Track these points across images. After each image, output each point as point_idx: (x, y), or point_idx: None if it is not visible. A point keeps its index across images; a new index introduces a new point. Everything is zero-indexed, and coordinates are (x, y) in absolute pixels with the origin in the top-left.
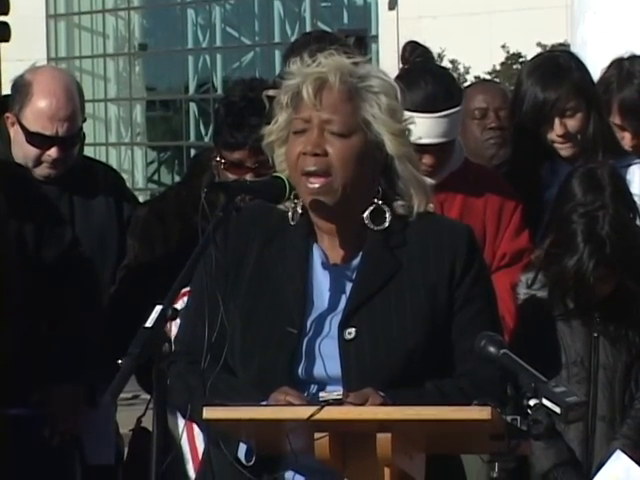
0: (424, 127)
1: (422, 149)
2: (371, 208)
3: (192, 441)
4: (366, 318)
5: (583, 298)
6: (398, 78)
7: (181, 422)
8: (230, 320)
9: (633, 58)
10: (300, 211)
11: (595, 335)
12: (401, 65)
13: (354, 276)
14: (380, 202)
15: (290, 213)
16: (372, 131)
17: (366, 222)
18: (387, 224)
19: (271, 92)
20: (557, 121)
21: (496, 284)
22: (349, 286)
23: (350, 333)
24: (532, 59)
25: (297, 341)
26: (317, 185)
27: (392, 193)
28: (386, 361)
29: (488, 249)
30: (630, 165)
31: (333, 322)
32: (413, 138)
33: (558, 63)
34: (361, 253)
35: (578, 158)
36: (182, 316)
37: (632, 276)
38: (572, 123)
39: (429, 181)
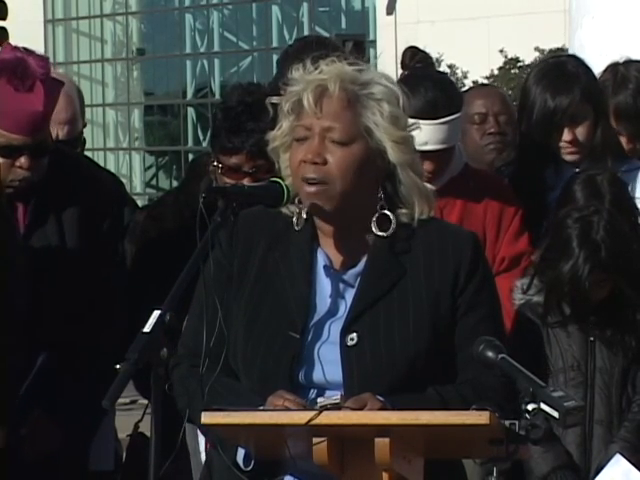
0: (424, 133)
1: (422, 155)
2: (377, 215)
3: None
4: (368, 324)
5: (579, 303)
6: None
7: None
8: (233, 324)
9: (628, 63)
10: (305, 216)
11: (591, 339)
12: (400, 71)
13: (357, 282)
14: (384, 209)
15: (295, 218)
16: (374, 139)
17: (373, 229)
18: (392, 231)
19: (274, 99)
20: (566, 129)
21: None
22: (352, 292)
23: (352, 339)
24: (538, 66)
25: (299, 346)
26: (313, 189)
27: (397, 200)
28: (388, 367)
29: (488, 254)
30: (633, 170)
31: (335, 327)
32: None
33: (567, 69)
34: (365, 259)
35: (582, 162)
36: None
37: (627, 280)
38: (580, 130)
39: (430, 187)
